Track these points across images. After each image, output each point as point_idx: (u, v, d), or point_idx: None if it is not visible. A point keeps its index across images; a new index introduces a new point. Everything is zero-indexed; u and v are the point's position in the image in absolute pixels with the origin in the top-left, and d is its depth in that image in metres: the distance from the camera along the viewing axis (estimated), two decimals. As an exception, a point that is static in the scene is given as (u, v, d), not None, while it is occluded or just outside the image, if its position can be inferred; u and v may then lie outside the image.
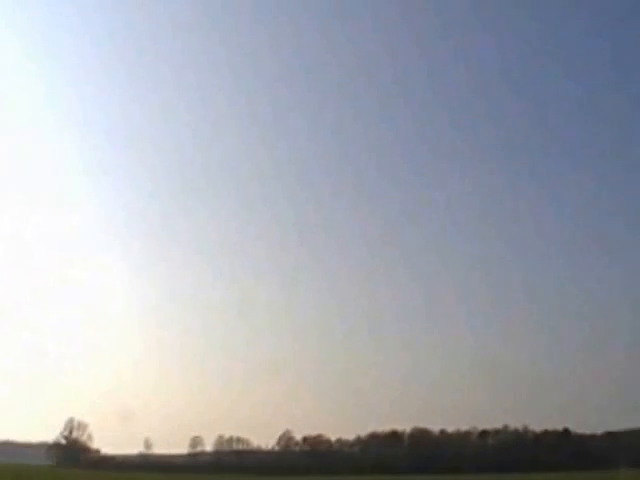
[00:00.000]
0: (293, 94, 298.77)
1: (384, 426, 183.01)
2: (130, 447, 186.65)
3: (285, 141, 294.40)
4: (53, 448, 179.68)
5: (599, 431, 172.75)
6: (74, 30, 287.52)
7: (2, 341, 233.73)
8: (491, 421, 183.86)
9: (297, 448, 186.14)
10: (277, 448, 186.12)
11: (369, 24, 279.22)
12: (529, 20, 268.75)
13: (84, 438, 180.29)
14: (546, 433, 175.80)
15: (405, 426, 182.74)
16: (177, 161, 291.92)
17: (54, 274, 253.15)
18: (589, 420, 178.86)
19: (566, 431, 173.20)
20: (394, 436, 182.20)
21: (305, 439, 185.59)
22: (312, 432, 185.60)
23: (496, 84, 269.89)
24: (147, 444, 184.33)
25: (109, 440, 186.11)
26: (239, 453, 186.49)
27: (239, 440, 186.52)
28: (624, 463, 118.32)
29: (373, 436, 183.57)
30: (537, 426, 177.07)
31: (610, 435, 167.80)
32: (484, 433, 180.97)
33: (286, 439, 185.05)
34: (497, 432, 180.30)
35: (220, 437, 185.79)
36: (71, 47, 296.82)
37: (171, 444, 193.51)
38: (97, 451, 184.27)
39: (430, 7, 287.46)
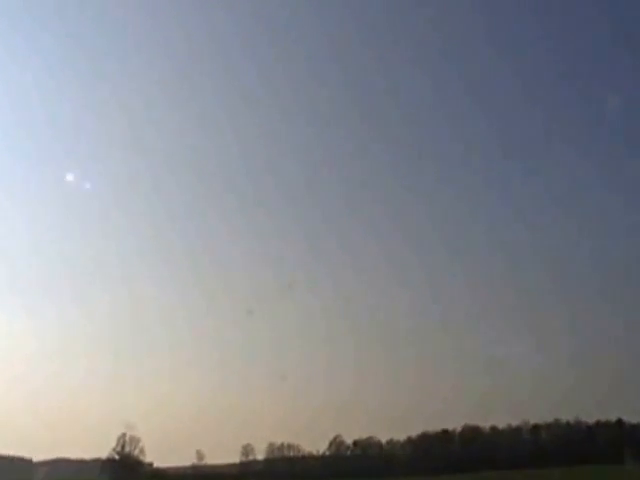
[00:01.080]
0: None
1: (435, 425, 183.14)
2: (182, 459, 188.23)
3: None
4: (107, 463, 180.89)
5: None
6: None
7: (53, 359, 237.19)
8: (542, 415, 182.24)
9: (348, 452, 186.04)
10: (328, 453, 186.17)
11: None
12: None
13: (136, 452, 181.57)
14: (599, 424, 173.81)
15: (455, 424, 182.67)
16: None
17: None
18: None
19: (620, 421, 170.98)
20: (445, 435, 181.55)
21: (356, 443, 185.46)
22: (362, 435, 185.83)
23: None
24: (199, 455, 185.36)
25: (161, 453, 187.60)
26: (290, 460, 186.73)
27: (290, 447, 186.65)
28: None
29: (424, 436, 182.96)
30: (589, 417, 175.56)
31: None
32: (536, 427, 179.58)
33: (337, 443, 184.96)
34: (549, 426, 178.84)
35: (271, 444, 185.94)
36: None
37: (223, 454, 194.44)
38: (150, 465, 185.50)
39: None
